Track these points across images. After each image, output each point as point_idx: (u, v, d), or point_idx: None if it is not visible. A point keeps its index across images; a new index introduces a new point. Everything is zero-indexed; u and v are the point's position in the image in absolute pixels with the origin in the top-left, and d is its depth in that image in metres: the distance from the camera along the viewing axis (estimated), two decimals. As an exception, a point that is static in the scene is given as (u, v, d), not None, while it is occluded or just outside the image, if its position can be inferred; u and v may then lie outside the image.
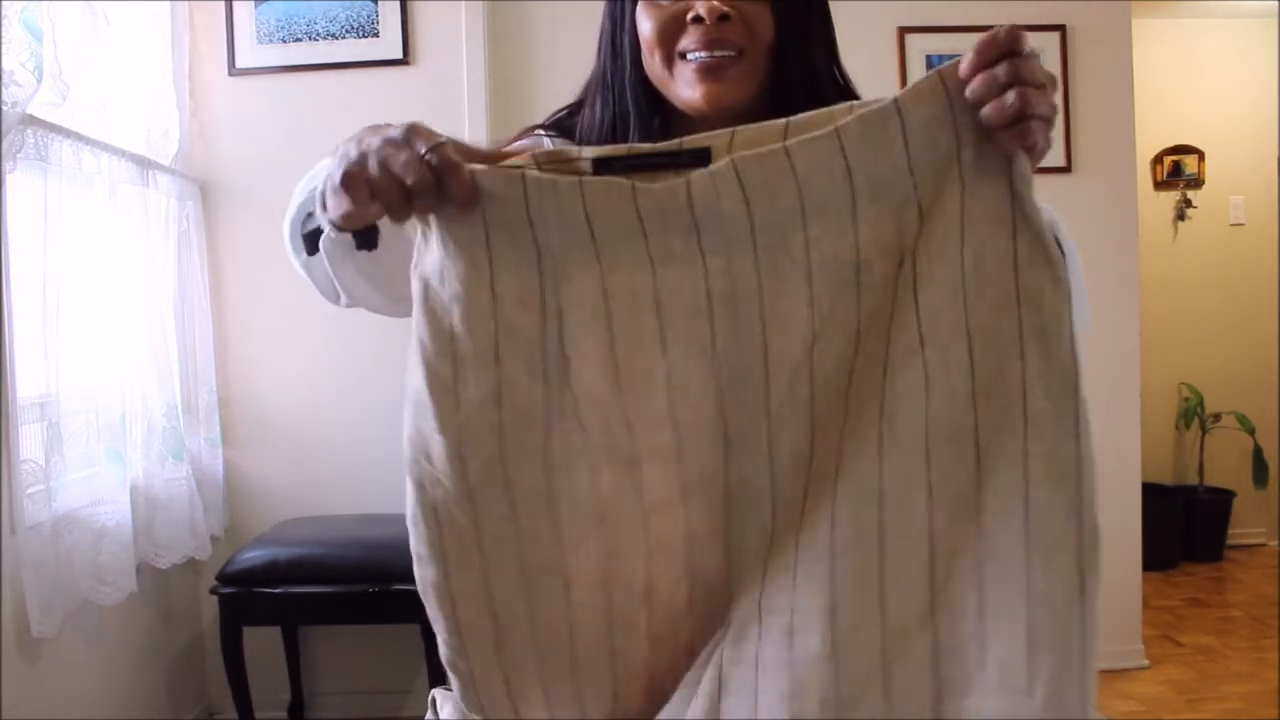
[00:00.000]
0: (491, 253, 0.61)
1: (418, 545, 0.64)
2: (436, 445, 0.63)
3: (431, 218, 0.61)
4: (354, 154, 0.61)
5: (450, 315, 0.61)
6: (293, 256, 0.81)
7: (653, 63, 0.81)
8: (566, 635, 0.64)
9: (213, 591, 1.99)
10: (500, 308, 0.61)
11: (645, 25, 0.80)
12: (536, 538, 0.63)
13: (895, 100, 0.61)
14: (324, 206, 0.71)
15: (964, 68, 0.59)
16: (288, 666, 2.27)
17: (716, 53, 0.78)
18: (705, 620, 0.65)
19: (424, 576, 0.65)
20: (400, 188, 0.59)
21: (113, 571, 1.78)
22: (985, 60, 0.58)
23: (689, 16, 0.78)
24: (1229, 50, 3.65)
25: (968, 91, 0.59)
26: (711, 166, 0.61)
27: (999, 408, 0.59)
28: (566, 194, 0.60)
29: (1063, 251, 0.70)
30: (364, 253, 0.74)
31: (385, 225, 0.72)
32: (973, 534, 0.59)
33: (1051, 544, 0.57)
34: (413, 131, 0.60)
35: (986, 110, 0.58)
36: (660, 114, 0.84)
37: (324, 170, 0.73)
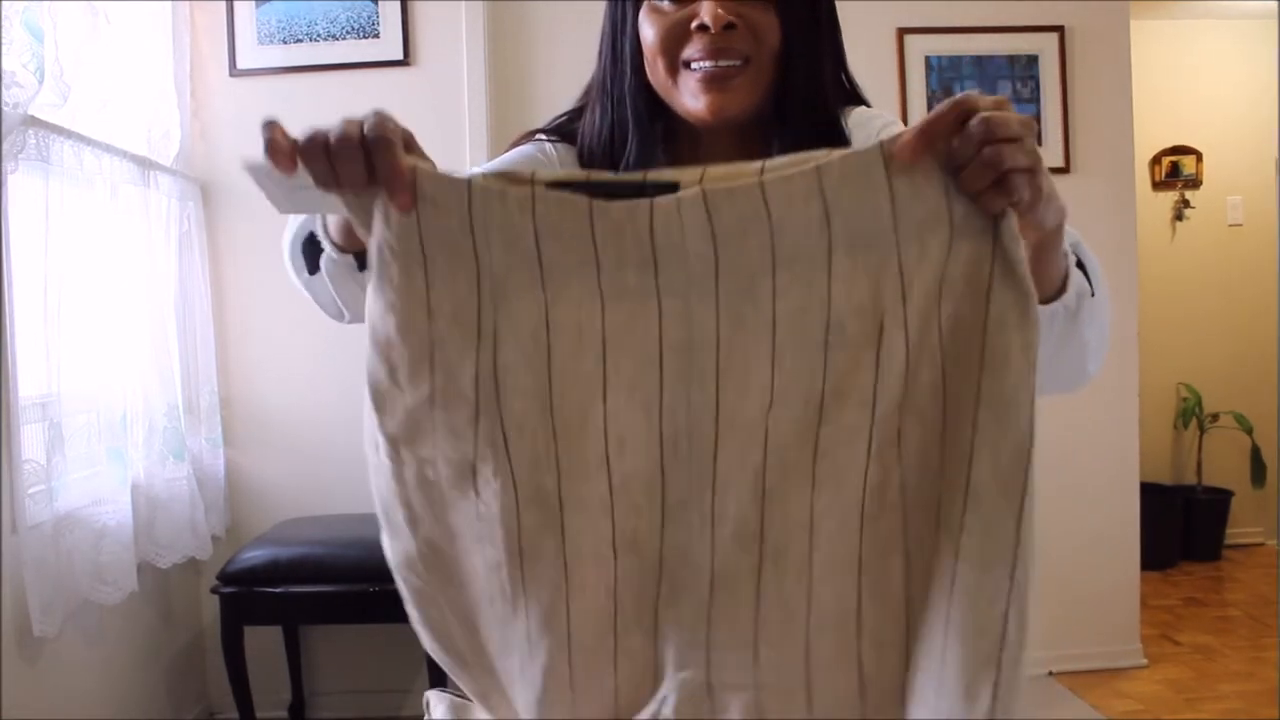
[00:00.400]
0: (427, 264, 0.56)
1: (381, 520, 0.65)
2: (380, 441, 0.61)
3: (375, 224, 0.57)
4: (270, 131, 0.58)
5: (386, 325, 0.58)
6: (294, 275, 0.80)
7: (655, 71, 0.79)
8: (515, 663, 0.62)
9: (213, 591, 1.99)
10: (435, 323, 0.57)
11: (648, 32, 0.78)
12: (463, 560, 0.62)
13: (880, 145, 0.54)
14: (325, 228, 0.72)
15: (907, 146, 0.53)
16: (288, 666, 2.27)
17: (722, 62, 0.75)
18: (629, 684, 0.61)
19: (389, 552, 0.64)
20: (325, 151, 0.56)
21: (114, 571, 1.79)
22: (935, 130, 0.53)
23: (694, 24, 0.75)
24: (1227, 51, 3.66)
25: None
26: (679, 194, 0.55)
27: (950, 476, 0.55)
28: (515, 207, 0.55)
29: (1085, 273, 0.68)
30: (365, 274, 0.73)
31: None
32: (947, 606, 0.55)
33: (967, 630, 0.53)
34: (374, 113, 0.57)
35: (964, 175, 0.53)
36: (662, 121, 0.82)
37: None
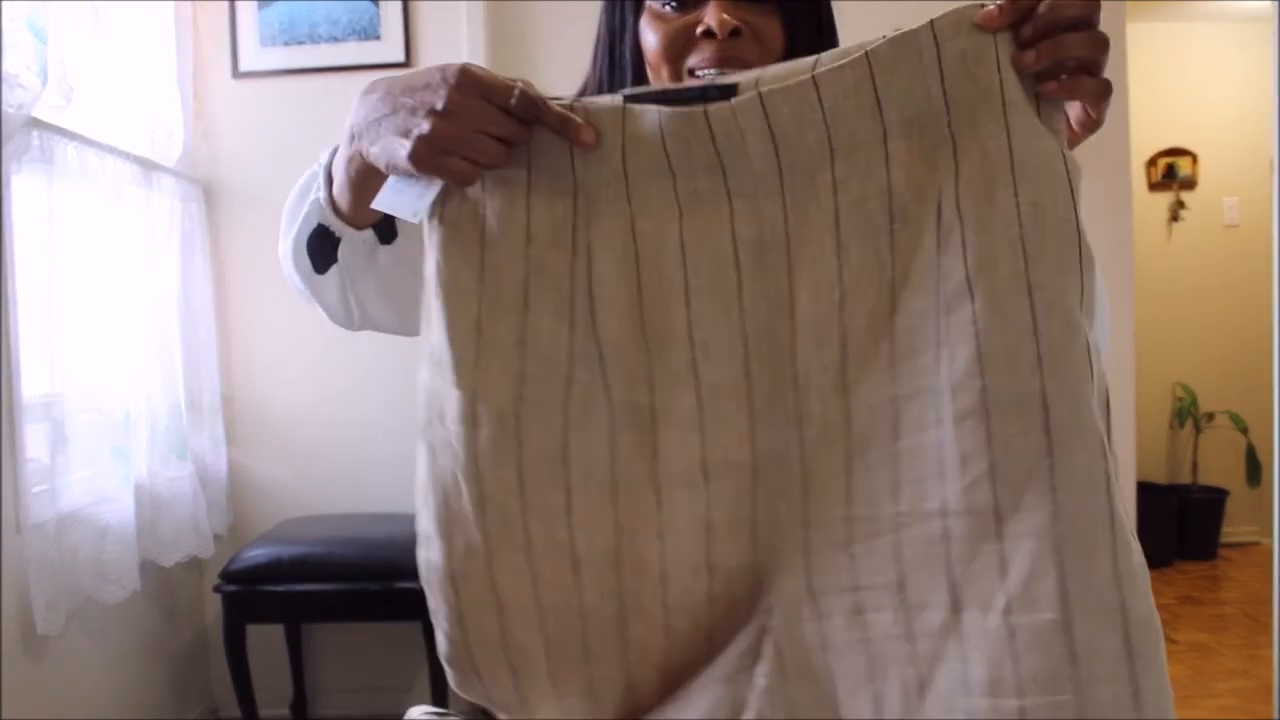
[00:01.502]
0: (530, 190, 0.58)
1: (423, 522, 0.60)
2: (452, 402, 0.58)
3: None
4: (402, 127, 0.57)
5: (480, 257, 0.58)
6: (299, 280, 0.77)
7: (659, 79, 0.77)
8: (577, 622, 0.59)
9: (216, 589, 2.00)
10: (533, 248, 0.58)
11: (650, 38, 0.76)
12: (544, 511, 0.58)
13: (931, 24, 0.55)
14: (336, 213, 0.70)
15: (994, 11, 0.54)
16: (291, 664, 2.28)
17: (727, 70, 0.73)
18: (726, 613, 0.59)
19: (427, 559, 0.60)
20: (504, 153, 0.56)
21: (116, 569, 1.79)
22: (1021, 7, 0.53)
23: (699, 30, 0.74)
24: (1223, 53, 3.68)
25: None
26: (734, 99, 0.56)
27: (1071, 377, 0.53)
28: (608, 122, 0.57)
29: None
30: (386, 251, 0.72)
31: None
32: (1046, 513, 0.53)
33: (1066, 539, 0.54)
34: (470, 79, 0.56)
35: (1024, 56, 0.53)
36: None
37: (314, 183, 0.72)
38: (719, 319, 0.57)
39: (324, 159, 0.72)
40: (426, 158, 0.57)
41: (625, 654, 0.60)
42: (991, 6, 0.54)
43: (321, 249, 0.73)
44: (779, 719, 0.56)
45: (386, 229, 0.72)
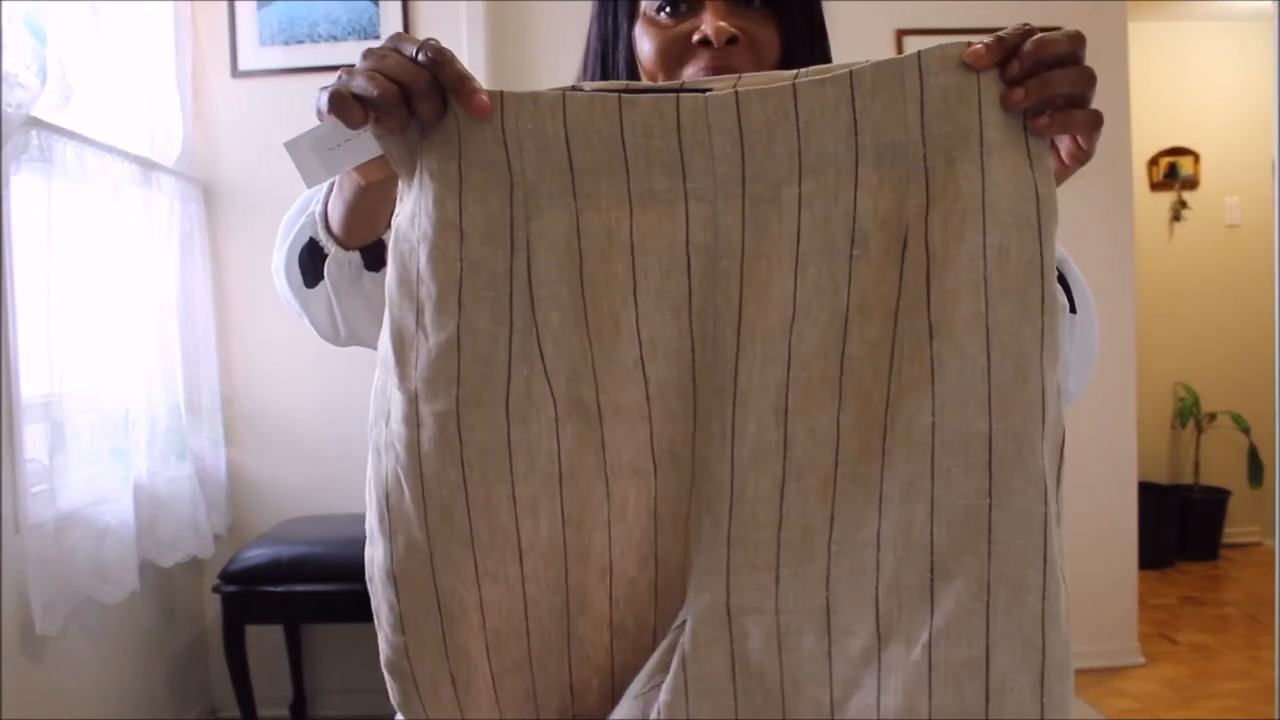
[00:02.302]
0: (463, 183, 0.56)
1: (369, 520, 0.59)
2: (396, 404, 0.58)
3: (420, 153, 0.57)
4: (336, 82, 0.55)
5: (416, 258, 0.57)
6: (289, 292, 0.77)
7: None
8: (520, 619, 0.58)
9: (215, 590, 2.00)
10: (466, 245, 0.56)
11: (645, 45, 0.75)
12: (487, 505, 0.57)
13: (918, 55, 0.54)
14: (327, 229, 0.70)
15: (982, 49, 0.54)
16: (290, 664, 2.28)
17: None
18: (669, 614, 0.59)
19: (371, 557, 0.60)
20: (396, 91, 0.53)
21: (116, 570, 1.79)
22: (1007, 45, 0.53)
23: (695, 38, 0.73)
24: (1224, 53, 3.67)
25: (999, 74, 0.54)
26: (708, 93, 0.55)
27: (1019, 420, 0.54)
28: (547, 111, 0.55)
29: (1069, 290, 0.68)
30: (371, 276, 0.71)
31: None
32: (980, 552, 0.54)
33: (1004, 599, 0.54)
34: (397, 38, 0.55)
35: (1011, 94, 0.54)
36: None
37: (315, 197, 0.72)
38: (667, 320, 0.56)
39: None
40: (332, 100, 0.54)
41: (569, 654, 0.59)
42: (979, 45, 0.54)
43: (312, 264, 0.73)
44: None
45: (374, 256, 0.72)
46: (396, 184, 0.60)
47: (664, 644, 0.58)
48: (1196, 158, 3.72)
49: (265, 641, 2.18)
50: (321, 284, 0.74)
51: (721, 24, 0.72)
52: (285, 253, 0.75)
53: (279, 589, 1.96)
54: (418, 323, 0.57)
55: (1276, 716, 2.02)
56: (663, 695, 0.56)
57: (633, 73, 0.78)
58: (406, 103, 0.54)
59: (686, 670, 0.56)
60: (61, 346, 1.69)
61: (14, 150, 1.57)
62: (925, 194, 0.55)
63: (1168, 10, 3.55)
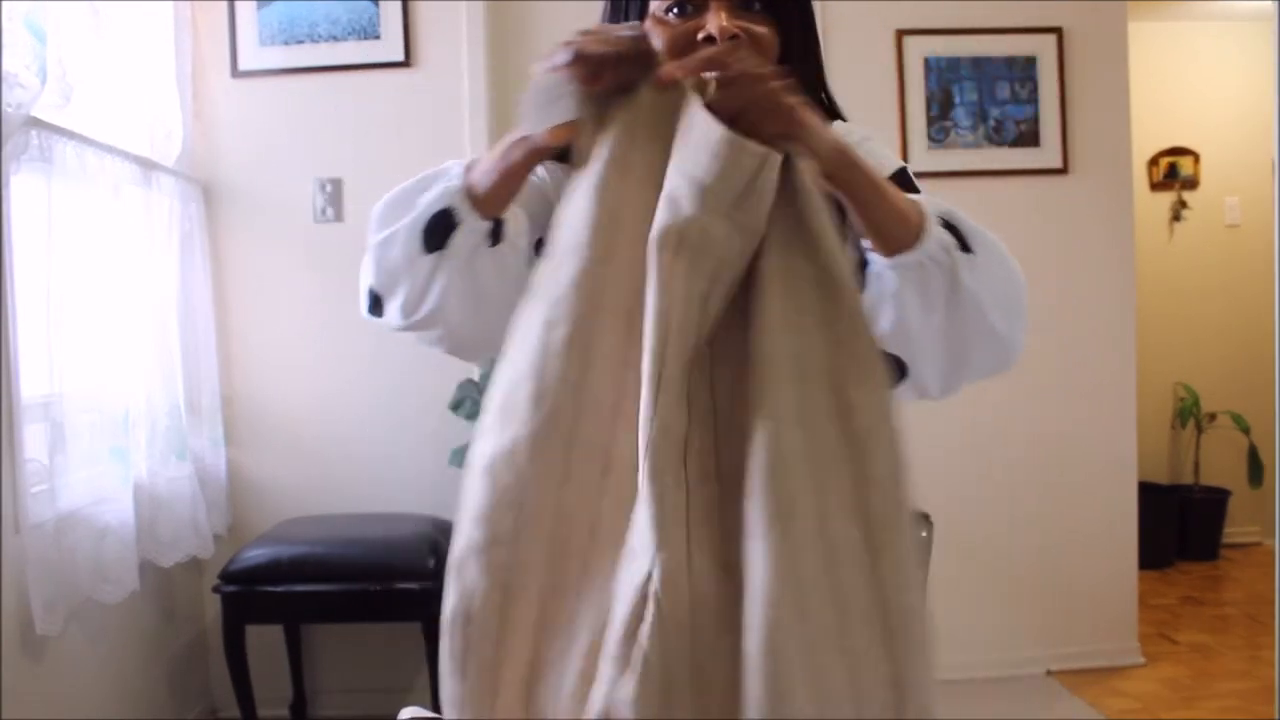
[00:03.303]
0: (627, 168, 0.66)
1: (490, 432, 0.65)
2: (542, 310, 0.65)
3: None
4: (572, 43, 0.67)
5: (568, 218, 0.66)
6: (396, 259, 0.78)
7: None
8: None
9: (215, 590, 2.00)
10: (626, 182, 0.66)
11: (655, 43, 0.77)
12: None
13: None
14: (471, 199, 0.75)
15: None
16: (290, 664, 2.28)
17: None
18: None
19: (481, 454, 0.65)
20: (613, 54, 0.66)
21: (116, 570, 1.79)
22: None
23: (700, 36, 0.79)
24: (1224, 53, 3.67)
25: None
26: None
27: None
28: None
29: (961, 238, 0.74)
30: (490, 254, 0.76)
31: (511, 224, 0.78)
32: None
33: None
34: (604, 27, 0.70)
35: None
36: None
37: (438, 177, 0.77)
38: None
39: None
40: (576, 55, 0.66)
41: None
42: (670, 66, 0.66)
43: (434, 233, 0.76)
44: None
45: (495, 232, 0.77)
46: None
47: (635, 598, 0.59)
48: (1196, 158, 3.72)
49: (265, 641, 2.18)
50: (436, 253, 0.76)
51: (725, 23, 0.78)
52: (409, 220, 0.77)
53: (279, 589, 1.96)
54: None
55: (1276, 716, 2.03)
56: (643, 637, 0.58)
57: None
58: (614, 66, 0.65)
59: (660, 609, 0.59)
60: (61, 346, 1.69)
61: (14, 150, 1.57)
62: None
63: (1168, 10, 3.55)
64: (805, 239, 0.63)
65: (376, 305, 0.81)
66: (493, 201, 0.75)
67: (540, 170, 0.87)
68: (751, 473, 0.59)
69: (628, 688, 0.57)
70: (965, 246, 0.74)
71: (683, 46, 0.78)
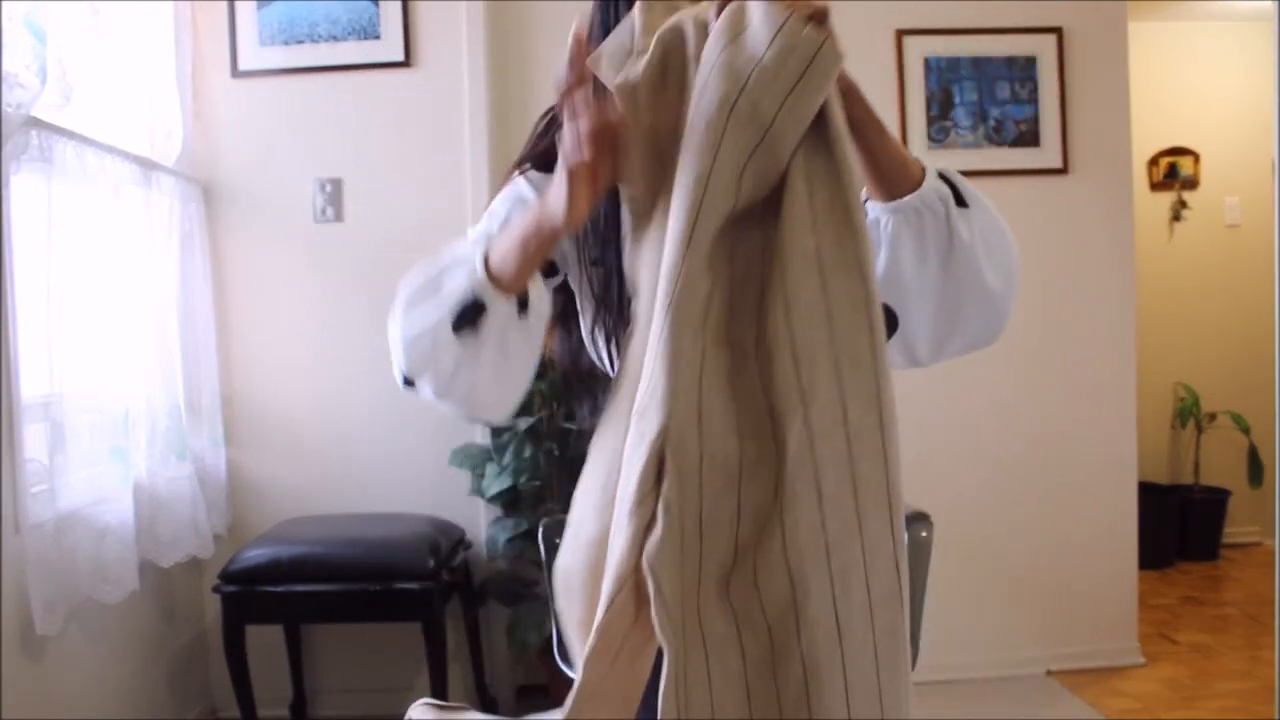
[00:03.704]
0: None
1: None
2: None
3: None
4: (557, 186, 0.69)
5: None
6: (427, 341, 0.79)
7: None
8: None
9: (215, 590, 2.00)
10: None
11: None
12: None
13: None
14: (495, 284, 0.75)
15: None
16: (290, 664, 2.28)
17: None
18: None
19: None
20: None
21: (116, 570, 1.79)
22: None
23: None
24: (1224, 53, 3.67)
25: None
26: None
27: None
28: None
29: (957, 192, 0.76)
30: (519, 326, 0.77)
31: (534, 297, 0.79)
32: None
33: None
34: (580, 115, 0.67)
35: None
36: None
37: (455, 262, 0.78)
38: None
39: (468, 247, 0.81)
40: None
41: None
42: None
43: (463, 319, 0.77)
44: None
45: (521, 302, 0.78)
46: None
47: (646, 458, 0.61)
48: (1196, 158, 3.72)
49: (265, 641, 2.18)
50: (468, 336, 0.77)
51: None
52: (439, 313, 0.78)
53: (279, 589, 1.96)
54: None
55: (1276, 716, 2.02)
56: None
57: None
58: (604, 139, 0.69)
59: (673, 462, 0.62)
60: (61, 346, 1.69)
61: (14, 150, 1.57)
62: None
63: (1168, 10, 3.55)
64: (827, 140, 0.64)
65: (410, 382, 0.84)
66: (518, 283, 0.76)
67: (527, 190, 0.88)
68: (774, 353, 0.62)
69: (656, 538, 0.60)
70: (961, 202, 0.76)
71: None
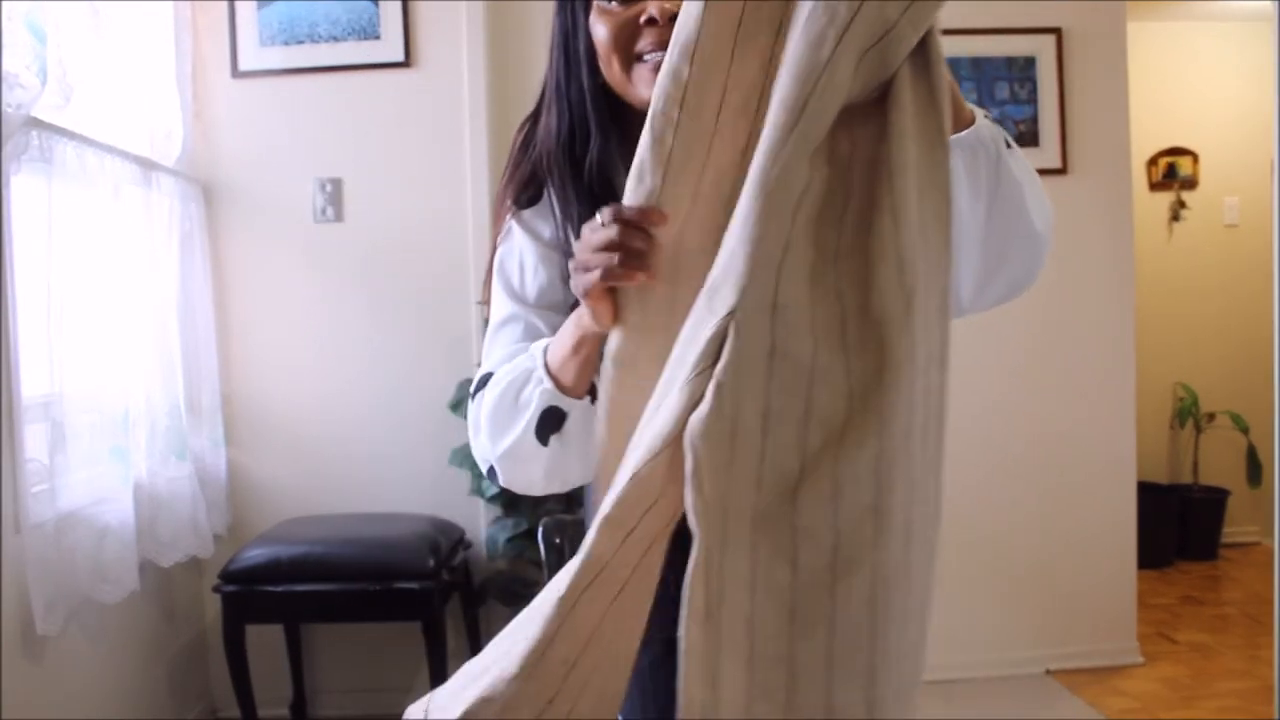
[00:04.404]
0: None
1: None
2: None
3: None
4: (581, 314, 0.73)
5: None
6: (521, 456, 0.83)
7: (610, 67, 0.84)
8: None
9: (215, 590, 2.00)
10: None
11: (600, 31, 0.84)
12: None
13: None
14: (565, 392, 0.80)
15: None
16: (290, 664, 2.28)
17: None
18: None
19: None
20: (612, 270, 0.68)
21: (116, 569, 1.79)
22: None
23: (642, 19, 0.82)
24: (1224, 53, 3.67)
25: None
26: None
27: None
28: None
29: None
30: (593, 410, 0.80)
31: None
32: None
33: None
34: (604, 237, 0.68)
35: None
36: (618, 124, 0.86)
37: (523, 384, 0.82)
38: None
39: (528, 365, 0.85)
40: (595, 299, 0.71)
41: None
42: None
43: (545, 426, 0.82)
44: None
45: (591, 393, 0.82)
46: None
47: (711, 334, 0.60)
48: (1196, 158, 3.72)
49: (265, 641, 2.18)
50: (555, 440, 0.82)
51: (665, 5, 0.81)
52: (521, 427, 0.82)
53: (279, 589, 1.96)
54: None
55: (1276, 716, 2.03)
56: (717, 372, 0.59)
57: (591, 58, 0.86)
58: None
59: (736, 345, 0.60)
60: (62, 346, 1.69)
61: (14, 150, 1.58)
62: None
63: (1168, 10, 3.56)
64: (928, 60, 0.67)
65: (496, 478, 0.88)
66: (583, 385, 0.80)
67: (524, 240, 0.90)
68: (876, 263, 0.60)
69: (701, 414, 0.57)
70: (1007, 144, 0.79)
71: (628, 32, 0.82)
